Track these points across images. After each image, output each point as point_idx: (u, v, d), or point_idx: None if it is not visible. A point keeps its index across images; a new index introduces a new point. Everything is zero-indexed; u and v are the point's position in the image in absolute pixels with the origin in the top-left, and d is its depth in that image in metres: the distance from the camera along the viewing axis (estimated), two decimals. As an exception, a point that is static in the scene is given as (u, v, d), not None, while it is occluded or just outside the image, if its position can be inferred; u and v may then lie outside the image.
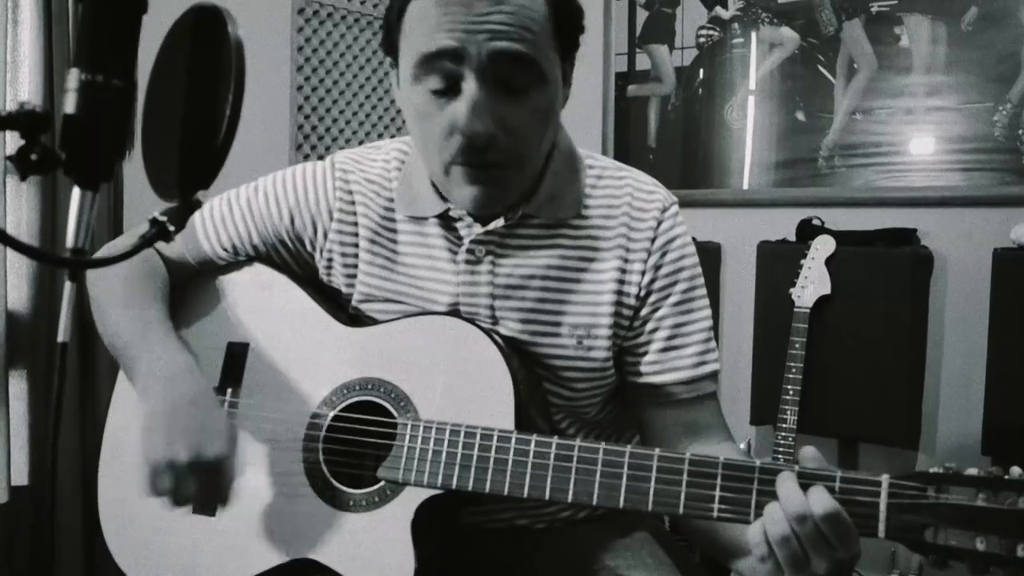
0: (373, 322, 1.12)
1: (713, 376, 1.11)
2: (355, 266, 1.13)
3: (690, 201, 2.50)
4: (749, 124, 2.67)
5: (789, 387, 2.20)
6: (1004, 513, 0.78)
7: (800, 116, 2.58)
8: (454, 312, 1.08)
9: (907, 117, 2.43)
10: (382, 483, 1.02)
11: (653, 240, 1.09)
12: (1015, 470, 0.80)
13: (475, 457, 0.97)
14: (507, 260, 1.08)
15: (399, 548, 0.98)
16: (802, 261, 2.29)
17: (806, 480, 0.84)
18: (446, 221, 1.09)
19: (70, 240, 0.61)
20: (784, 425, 2.19)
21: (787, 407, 2.19)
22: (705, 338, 1.11)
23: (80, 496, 1.96)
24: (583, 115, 2.86)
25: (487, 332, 1.03)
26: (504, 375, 1.00)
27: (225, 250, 1.17)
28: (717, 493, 0.88)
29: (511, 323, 1.08)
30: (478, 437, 0.98)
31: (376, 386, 1.06)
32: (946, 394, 2.38)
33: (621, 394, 1.15)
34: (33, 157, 0.57)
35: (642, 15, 2.84)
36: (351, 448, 1.05)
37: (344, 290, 1.14)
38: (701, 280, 1.13)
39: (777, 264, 2.39)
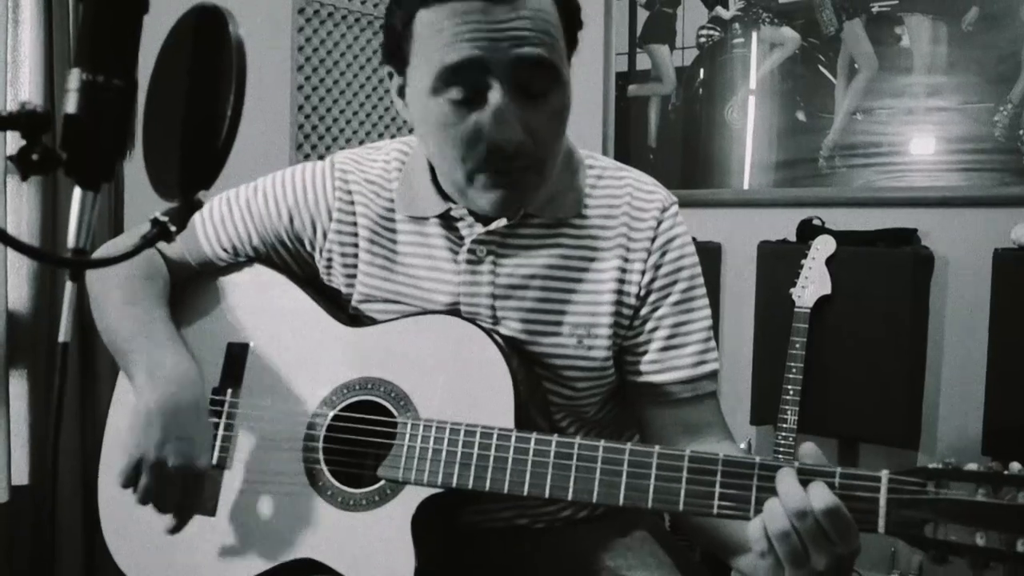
0: (373, 322, 1.12)
1: (713, 375, 1.12)
2: (355, 266, 1.13)
3: (691, 201, 2.50)
4: (750, 124, 2.67)
5: (789, 387, 2.20)
6: (1004, 508, 0.78)
7: (801, 116, 2.58)
8: (454, 312, 1.08)
9: (908, 117, 2.43)
10: (382, 482, 1.02)
11: (653, 240, 1.09)
12: (1015, 465, 0.79)
13: (475, 455, 0.97)
14: (508, 260, 1.08)
15: (399, 547, 0.98)
16: (802, 261, 2.29)
17: (806, 476, 0.84)
18: (447, 221, 1.09)
19: (71, 240, 0.61)
20: (784, 425, 2.19)
21: (787, 407, 2.19)
22: (705, 337, 1.11)
23: (80, 495, 1.96)
24: (583, 115, 2.86)
25: (487, 331, 1.04)
26: (504, 374, 1.00)
27: (225, 250, 1.17)
28: (717, 490, 0.89)
29: (512, 323, 1.08)
30: (478, 436, 0.98)
31: (376, 385, 1.06)
32: (946, 394, 2.38)
33: (621, 394, 1.15)
34: (34, 157, 0.57)
35: (643, 15, 2.84)
36: (351, 448, 1.05)
37: (344, 290, 1.14)
38: (701, 280, 1.13)
39: (778, 264, 2.39)
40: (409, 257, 1.11)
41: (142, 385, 1.05)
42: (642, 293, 1.09)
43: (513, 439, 0.96)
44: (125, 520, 1.13)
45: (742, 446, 2.14)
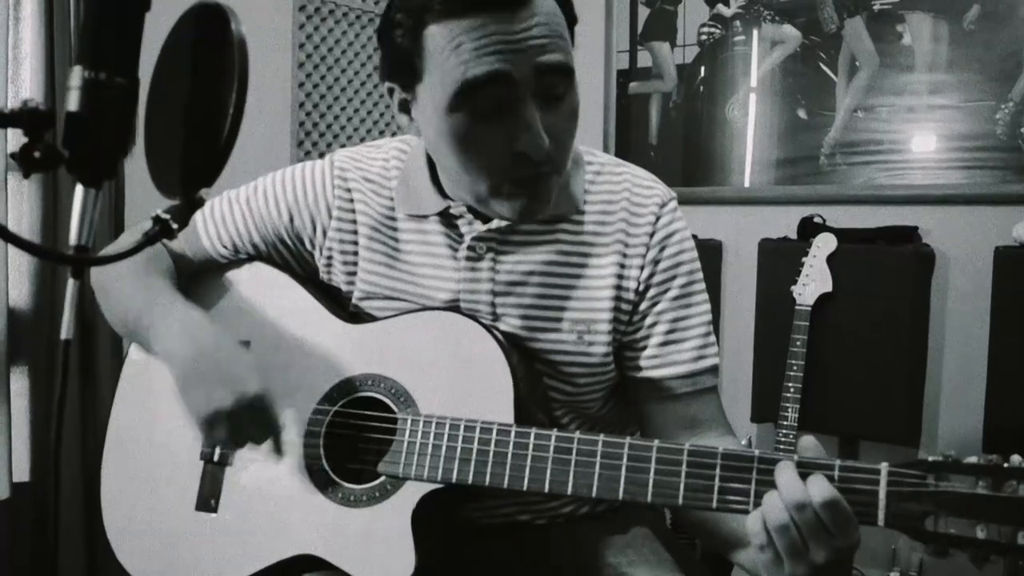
0: (373, 319, 1.12)
1: (713, 370, 1.12)
2: (355, 264, 1.13)
3: (691, 198, 2.51)
4: (750, 122, 2.67)
5: (790, 385, 2.20)
6: (1004, 501, 0.78)
7: (802, 114, 2.58)
8: (454, 308, 1.09)
9: (909, 115, 2.42)
10: (383, 478, 1.02)
11: (652, 235, 1.09)
12: (1015, 458, 0.79)
13: (475, 451, 0.98)
14: (508, 257, 1.08)
15: (400, 543, 0.99)
16: (803, 259, 2.29)
17: (805, 469, 0.84)
18: (447, 219, 1.10)
19: (73, 237, 0.62)
20: (785, 423, 2.20)
21: (788, 405, 2.20)
22: (704, 332, 1.11)
23: (81, 492, 1.97)
24: (585, 112, 2.81)
25: (487, 328, 1.04)
26: (504, 371, 1.00)
27: (225, 248, 1.18)
28: (716, 483, 0.89)
29: (512, 319, 1.08)
30: (478, 431, 0.98)
31: (376, 382, 1.06)
32: (947, 392, 2.38)
33: (623, 390, 1.15)
34: (36, 154, 0.57)
35: (644, 12, 2.83)
36: (352, 444, 1.05)
37: (344, 288, 1.14)
38: (700, 275, 1.13)
39: (778, 262, 2.39)
40: (409, 254, 1.11)
41: (165, 352, 1.05)
42: (641, 288, 1.09)
43: (512, 434, 0.97)
44: (127, 516, 1.13)
45: (743, 443, 2.14)
